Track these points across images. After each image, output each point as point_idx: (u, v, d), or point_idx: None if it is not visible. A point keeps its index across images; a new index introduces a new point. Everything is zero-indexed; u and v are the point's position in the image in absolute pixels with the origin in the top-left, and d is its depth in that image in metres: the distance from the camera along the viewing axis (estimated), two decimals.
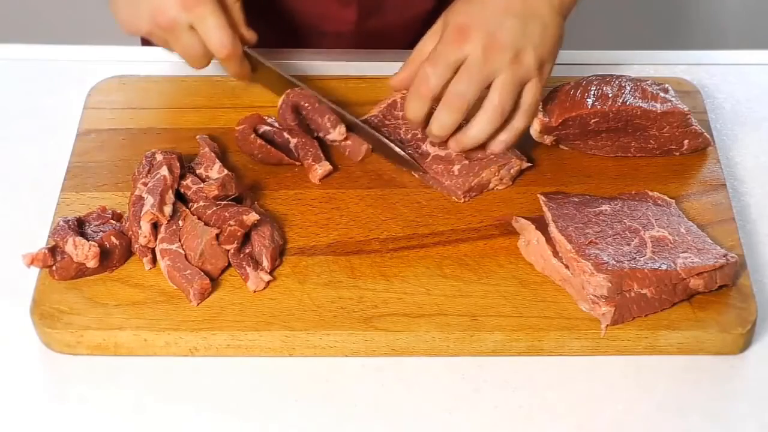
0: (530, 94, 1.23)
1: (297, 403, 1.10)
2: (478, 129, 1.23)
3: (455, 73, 1.21)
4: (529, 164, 1.27)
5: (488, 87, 1.21)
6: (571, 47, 1.43)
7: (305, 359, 1.13)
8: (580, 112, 1.25)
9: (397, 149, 1.26)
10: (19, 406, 1.10)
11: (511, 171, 1.26)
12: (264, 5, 1.49)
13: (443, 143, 1.26)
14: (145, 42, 1.58)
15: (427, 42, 1.26)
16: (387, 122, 1.31)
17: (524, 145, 1.29)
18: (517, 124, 1.24)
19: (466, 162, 1.25)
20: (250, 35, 1.32)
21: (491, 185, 1.26)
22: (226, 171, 1.23)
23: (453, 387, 1.12)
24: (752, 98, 1.40)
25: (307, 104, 1.29)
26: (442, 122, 1.23)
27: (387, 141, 1.27)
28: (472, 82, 1.21)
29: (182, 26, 1.26)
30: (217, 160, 1.24)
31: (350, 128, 1.29)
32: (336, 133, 1.28)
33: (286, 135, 1.28)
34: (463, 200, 1.25)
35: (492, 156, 1.26)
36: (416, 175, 1.27)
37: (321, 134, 1.29)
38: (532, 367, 1.13)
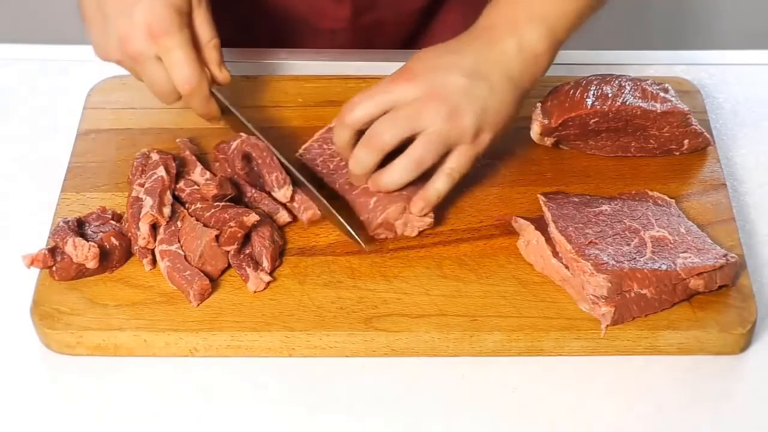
0: (455, 158, 1.18)
1: (297, 403, 1.10)
2: (391, 175, 1.18)
3: (385, 112, 1.17)
4: (430, 221, 1.20)
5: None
6: (571, 47, 1.43)
7: (305, 359, 1.13)
8: (579, 113, 1.25)
9: (343, 222, 1.19)
10: (19, 407, 1.10)
11: (415, 222, 1.21)
12: (257, 2, 1.48)
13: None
14: None
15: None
16: (324, 149, 1.26)
17: (524, 145, 1.29)
18: (437, 185, 1.19)
19: (381, 195, 1.20)
20: (223, 76, 1.26)
21: (398, 230, 1.20)
22: (208, 173, 1.23)
23: (453, 387, 1.12)
24: (752, 98, 1.40)
25: (257, 156, 1.23)
26: (358, 159, 1.19)
27: (334, 212, 1.20)
28: (396, 126, 1.16)
29: (149, 57, 1.21)
30: (198, 163, 1.24)
31: (299, 186, 1.23)
32: (281, 194, 1.21)
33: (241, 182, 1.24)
34: (379, 237, 1.20)
35: (404, 193, 1.20)
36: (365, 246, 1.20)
37: (267, 190, 1.23)
38: (532, 367, 1.13)
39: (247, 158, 1.24)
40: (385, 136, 1.17)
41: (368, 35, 1.52)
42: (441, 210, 1.23)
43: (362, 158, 1.19)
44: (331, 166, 1.26)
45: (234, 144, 1.24)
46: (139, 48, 1.20)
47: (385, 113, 1.17)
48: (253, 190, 1.23)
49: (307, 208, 1.21)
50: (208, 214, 1.18)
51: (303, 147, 1.28)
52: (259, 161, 1.23)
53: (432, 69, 1.17)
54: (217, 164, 1.26)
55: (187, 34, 1.21)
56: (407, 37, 1.55)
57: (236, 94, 1.36)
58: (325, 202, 1.21)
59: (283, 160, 1.24)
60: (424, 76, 1.17)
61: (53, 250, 1.15)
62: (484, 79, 1.17)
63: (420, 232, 1.21)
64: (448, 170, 1.19)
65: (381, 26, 1.52)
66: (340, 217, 1.19)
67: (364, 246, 1.18)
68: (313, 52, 1.46)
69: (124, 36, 1.20)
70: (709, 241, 1.18)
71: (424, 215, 1.20)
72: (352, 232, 1.18)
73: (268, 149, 1.24)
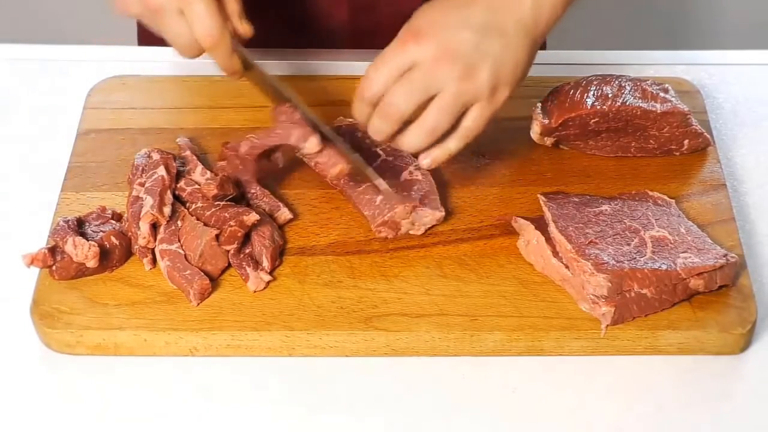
0: (471, 118, 1.15)
1: (297, 403, 1.10)
2: (407, 142, 1.17)
3: (400, 76, 1.15)
4: (441, 215, 1.21)
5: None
6: (571, 47, 1.43)
7: (305, 359, 1.13)
8: (579, 113, 1.25)
9: (375, 174, 1.19)
10: (19, 406, 1.10)
11: (424, 219, 1.21)
12: (254, 3, 1.48)
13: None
14: (144, 40, 1.58)
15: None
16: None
17: (524, 145, 1.29)
18: (450, 145, 1.17)
19: (389, 193, 1.21)
20: (245, 29, 1.23)
21: (403, 228, 1.20)
22: (208, 173, 1.23)
23: (453, 387, 1.12)
24: (752, 98, 1.40)
25: (286, 118, 1.22)
26: (376, 128, 1.17)
27: (365, 164, 1.20)
28: (411, 93, 1.14)
29: (171, 11, 1.17)
30: (199, 163, 1.24)
31: (329, 140, 1.22)
32: (309, 145, 1.20)
33: (242, 188, 1.24)
34: (380, 234, 1.20)
35: (413, 194, 1.21)
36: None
37: (296, 151, 1.23)
38: (532, 367, 1.13)
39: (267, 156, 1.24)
40: (401, 105, 1.14)
41: (367, 37, 1.51)
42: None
43: (380, 127, 1.16)
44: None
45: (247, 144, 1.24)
46: (161, 1, 1.17)
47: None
48: (257, 188, 1.23)
49: (336, 163, 1.20)
50: (209, 213, 1.18)
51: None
52: (284, 120, 1.21)
53: (441, 26, 1.14)
54: (222, 162, 1.26)
55: None
56: None
57: (239, 94, 1.36)
58: (357, 156, 1.19)
59: (311, 115, 1.22)
60: (433, 35, 1.13)
61: (53, 250, 1.15)
62: (496, 32, 1.13)
63: (426, 230, 1.21)
64: (463, 130, 1.16)
65: (380, 28, 1.52)
66: (371, 170, 1.18)
67: (398, 201, 1.16)
68: (312, 53, 1.45)
69: None
70: (709, 241, 1.18)
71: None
72: (386, 186, 1.17)
73: (294, 106, 1.22)
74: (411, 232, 1.21)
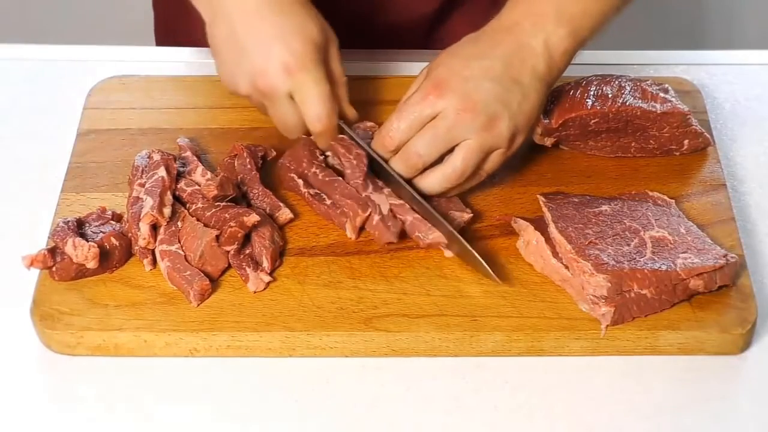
0: (492, 162, 1.20)
1: (297, 403, 1.11)
2: (428, 185, 1.20)
3: (422, 127, 1.18)
4: (470, 214, 1.21)
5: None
6: None
7: (305, 360, 1.13)
8: (579, 113, 1.25)
9: (477, 255, 1.16)
10: (19, 407, 1.10)
11: (453, 223, 1.20)
12: None
13: None
14: (161, 41, 1.57)
15: (412, 90, 1.22)
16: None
17: (524, 145, 1.29)
18: (466, 185, 1.21)
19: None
20: (352, 113, 1.24)
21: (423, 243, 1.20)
22: (209, 173, 1.23)
23: (453, 387, 1.12)
24: (752, 98, 1.40)
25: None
26: (397, 170, 1.20)
27: (467, 245, 1.17)
28: (435, 142, 1.17)
29: (281, 93, 1.18)
30: (199, 163, 1.24)
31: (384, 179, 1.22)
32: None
33: (243, 187, 1.24)
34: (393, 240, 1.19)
35: (434, 202, 1.20)
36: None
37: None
38: (532, 367, 1.13)
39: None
40: (423, 155, 1.18)
41: (380, 39, 1.50)
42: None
43: (399, 171, 1.20)
44: None
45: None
46: (274, 83, 1.17)
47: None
48: (259, 188, 1.23)
49: (431, 231, 1.18)
50: (209, 214, 1.18)
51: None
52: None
53: (462, 79, 1.17)
54: (228, 160, 1.26)
55: (323, 71, 1.19)
56: (417, 41, 1.54)
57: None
58: (458, 235, 1.17)
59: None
60: (455, 87, 1.17)
61: (53, 251, 1.15)
62: (514, 82, 1.18)
63: None
64: (481, 173, 1.21)
65: (391, 30, 1.51)
66: (473, 251, 1.16)
67: (499, 281, 1.16)
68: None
69: (259, 70, 1.17)
70: (709, 241, 1.18)
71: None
72: (487, 267, 1.16)
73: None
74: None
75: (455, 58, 1.20)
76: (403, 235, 1.19)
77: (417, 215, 1.19)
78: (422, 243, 1.18)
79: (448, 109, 1.16)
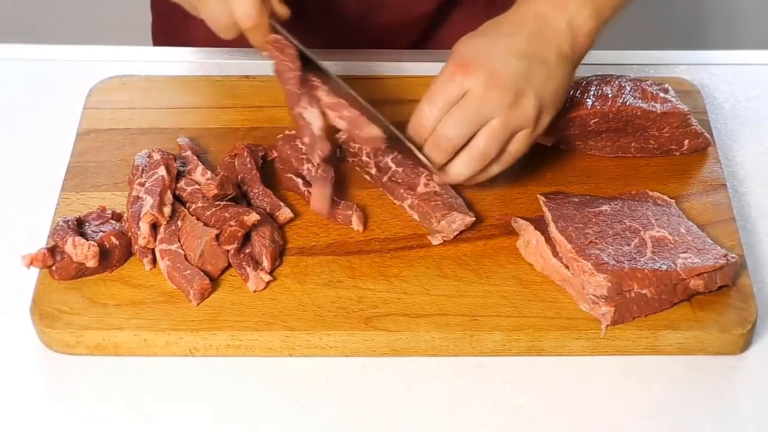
0: (518, 143, 1.18)
1: (297, 403, 1.10)
2: (458, 171, 1.19)
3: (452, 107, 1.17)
4: (472, 218, 1.21)
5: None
6: None
7: (305, 359, 1.13)
8: (579, 113, 1.25)
9: (412, 146, 1.18)
10: (19, 406, 1.10)
11: (454, 225, 1.21)
12: None
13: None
14: (159, 41, 1.57)
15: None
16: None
17: None
18: (493, 169, 1.20)
19: (416, 201, 1.22)
20: (283, 11, 1.22)
21: (434, 241, 1.20)
22: (209, 173, 1.23)
23: (453, 387, 1.12)
24: (752, 98, 1.40)
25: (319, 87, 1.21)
26: (428, 158, 1.19)
27: (401, 135, 1.19)
28: (463, 124, 1.16)
29: None
30: (199, 163, 1.24)
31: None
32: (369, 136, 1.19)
33: (243, 187, 1.24)
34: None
35: (440, 203, 1.21)
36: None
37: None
38: (532, 367, 1.13)
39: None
40: (453, 138, 1.16)
41: (378, 39, 1.50)
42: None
43: (433, 158, 1.18)
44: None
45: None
46: None
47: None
48: (260, 187, 1.23)
49: (368, 126, 1.18)
50: (209, 213, 1.18)
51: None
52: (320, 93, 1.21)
53: (487, 57, 1.16)
54: (228, 159, 1.26)
55: None
56: (415, 41, 1.54)
57: (239, 94, 1.36)
58: (398, 132, 1.17)
59: (352, 92, 1.21)
60: (481, 65, 1.15)
61: (53, 250, 1.15)
62: (541, 61, 1.17)
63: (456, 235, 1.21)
64: (507, 155, 1.19)
65: (389, 30, 1.51)
66: (406, 140, 1.17)
67: (437, 174, 1.16)
68: (322, 53, 1.44)
69: None
70: (709, 241, 1.18)
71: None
72: (429, 164, 1.17)
73: (329, 80, 1.21)
74: (443, 237, 1.21)
75: (479, 38, 1.19)
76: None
77: (356, 111, 1.18)
78: (358, 139, 1.18)
79: (475, 88, 1.15)
